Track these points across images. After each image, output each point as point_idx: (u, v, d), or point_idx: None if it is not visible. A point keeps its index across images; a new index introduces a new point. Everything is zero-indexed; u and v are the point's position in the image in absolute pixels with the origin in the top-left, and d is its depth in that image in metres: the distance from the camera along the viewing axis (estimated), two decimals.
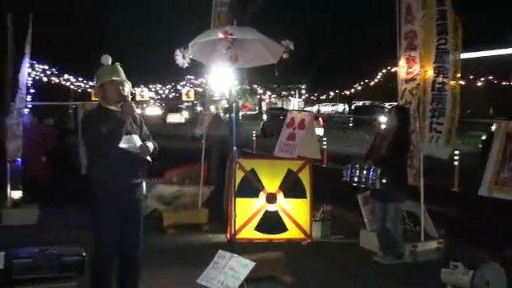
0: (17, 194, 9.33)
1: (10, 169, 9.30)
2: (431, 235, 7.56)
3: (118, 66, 5.01)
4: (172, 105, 57.75)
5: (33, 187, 9.87)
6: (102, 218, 4.88)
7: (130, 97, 5.05)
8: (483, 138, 19.24)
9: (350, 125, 38.42)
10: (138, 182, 5.03)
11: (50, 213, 9.50)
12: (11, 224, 8.89)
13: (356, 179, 7.11)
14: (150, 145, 4.98)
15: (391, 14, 7.79)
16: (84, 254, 4.52)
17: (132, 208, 4.97)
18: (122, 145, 4.77)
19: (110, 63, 5.00)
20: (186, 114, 52.60)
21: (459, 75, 7.14)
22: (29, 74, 10.15)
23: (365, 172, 6.99)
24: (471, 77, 38.81)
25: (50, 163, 10.80)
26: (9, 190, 9.24)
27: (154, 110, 56.79)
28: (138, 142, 4.88)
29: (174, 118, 49.71)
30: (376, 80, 47.49)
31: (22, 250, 4.45)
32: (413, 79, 7.49)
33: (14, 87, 9.44)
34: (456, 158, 13.06)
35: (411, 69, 7.51)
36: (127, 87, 4.99)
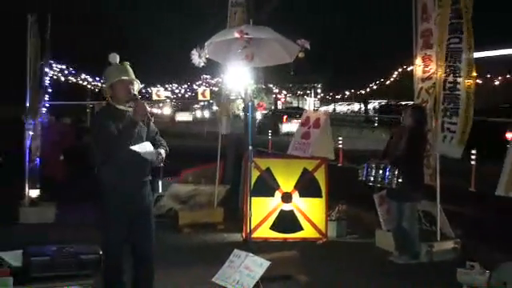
0: (34, 193, 9.42)
1: (28, 168, 9.40)
2: (447, 235, 7.52)
3: (127, 65, 4.98)
4: (182, 104, 61.03)
5: (50, 186, 9.96)
6: (109, 217, 4.88)
7: (140, 96, 5.02)
8: None
9: (376, 125, 38.01)
10: (145, 181, 5.02)
11: (67, 211, 9.59)
12: (29, 222, 8.99)
13: (372, 179, 7.09)
14: (163, 151, 4.97)
15: (407, 12, 7.76)
16: (100, 253, 4.54)
17: (141, 206, 4.97)
18: (136, 149, 4.76)
19: (117, 62, 4.98)
20: (196, 114, 56.61)
21: (474, 74, 7.08)
22: (46, 74, 10.25)
23: (381, 171, 6.98)
24: (488, 75, 38.46)
25: (67, 162, 10.88)
26: (27, 189, 9.33)
27: (166, 110, 58.55)
28: (151, 149, 4.86)
29: (182, 117, 52.87)
30: (392, 79, 47.23)
31: (40, 248, 4.49)
32: (429, 78, 7.45)
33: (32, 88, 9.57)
34: (473, 157, 12.96)
35: (427, 67, 7.48)
36: (136, 86, 4.98)
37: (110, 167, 4.82)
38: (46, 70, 10.09)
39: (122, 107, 4.89)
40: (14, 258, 4.52)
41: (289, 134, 25.43)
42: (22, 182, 9.37)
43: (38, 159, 9.67)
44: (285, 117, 29.24)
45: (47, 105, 10.51)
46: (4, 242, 5.56)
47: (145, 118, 4.86)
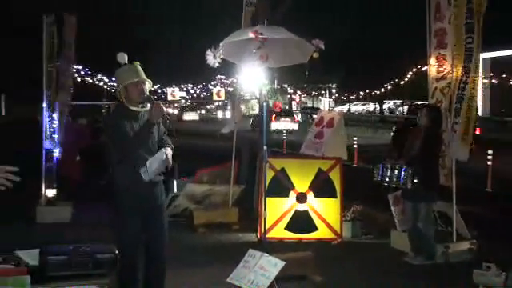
0: (51, 193, 9.50)
1: (44, 167, 9.49)
2: (463, 236, 7.47)
3: (138, 65, 4.99)
4: (190, 105, 65.93)
5: (66, 186, 10.04)
6: (123, 217, 4.92)
7: (155, 96, 5.05)
8: None
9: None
10: (157, 181, 5.04)
11: (83, 211, 9.67)
12: (45, 222, 9.07)
13: (387, 179, 7.08)
14: (169, 151, 4.97)
15: (422, 11, 7.72)
16: (116, 252, 4.57)
17: (154, 206, 5.00)
18: (154, 167, 4.81)
19: (126, 61, 5.00)
20: (202, 113, 62.90)
21: (481, 75, 7.06)
22: (68, 74, 10.31)
23: (396, 172, 6.96)
24: (504, 75, 38.16)
25: (83, 162, 10.96)
26: (43, 189, 9.42)
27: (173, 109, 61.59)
28: (161, 156, 4.90)
29: (189, 116, 56.77)
30: (406, 79, 47.00)
31: (57, 247, 4.51)
32: (443, 78, 7.41)
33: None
34: (489, 157, 12.88)
35: (442, 67, 7.44)
36: (148, 85, 5.02)
37: (124, 167, 4.86)
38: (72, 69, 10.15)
39: (135, 108, 4.93)
40: (31, 257, 4.56)
41: (277, 132, 28.43)
42: (39, 181, 9.46)
43: (54, 159, 9.76)
44: (273, 116, 31.29)
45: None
46: (21, 241, 5.59)
47: (161, 120, 4.89)
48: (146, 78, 4.98)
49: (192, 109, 61.60)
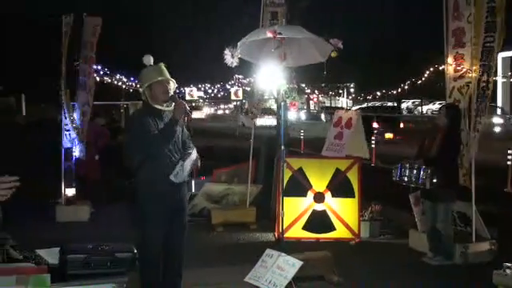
0: (70, 192, 9.59)
1: (63, 167, 9.58)
2: (483, 236, 7.40)
3: (162, 66, 5.07)
4: (195, 104, 68.53)
5: (85, 185, 10.13)
6: (148, 217, 4.96)
7: (178, 95, 5.10)
8: None
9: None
10: (183, 181, 5.08)
11: (101, 210, 9.75)
12: (65, 221, 9.16)
13: (406, 179, 7.03)
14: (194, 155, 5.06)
15: (439, 10, 7.67)
16: (135, 251, 4.61)
17: (177, 207, 5.04)
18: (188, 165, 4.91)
19: (151, 63, 5.07)
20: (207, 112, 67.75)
21: (501, 74, 7.03)
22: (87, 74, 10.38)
23: (415, 171, 6.91)
24: None
25: (101, 162, 11.03)
26: (63, 188, 9.51)
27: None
28: (195, 156, 4.99)
29: (196, 114, 58.74)
30: (424, 78, 46.64)
31: (76, 246, 4.57)
32: (461, 77, 7.35)
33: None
34: (509, 157, 12.73)
35: (459, 66, 7.38)
36: (172, 85, 5.07)
37: (150, 167, 4.89)
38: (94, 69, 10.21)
39: (160, 107, 4.97)
40: (51, 255, 4.62)
41: (262, 127, 28.24)
42: (59, 181, 9.55)
43: (73, 159, 9.85)
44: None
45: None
46: (41, 240, 5.66)
47: (184, 116, 4.93)
48: (170, 77, 5.04)
49: (197, 108, 64.49)
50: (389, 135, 24.33)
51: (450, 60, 7.52)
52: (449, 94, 7.58)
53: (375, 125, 22.81)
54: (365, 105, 49.02)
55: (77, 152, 9.84)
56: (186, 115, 4.93)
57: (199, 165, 5.08)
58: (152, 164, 4.89)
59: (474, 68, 7.15)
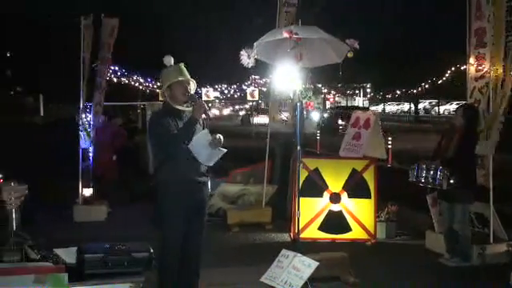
0: (87, 192, 9.66)
1: (81, 167, 9.65)
2: (500, 237, 7.34)
3: (182, 66, 5.11)
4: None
5: (102, 185, 10.20)
6: (168, 216, 4.98)
7: (197, 96, 5.13)
8: None
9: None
10: (204, 181, 5.11)
11: (118, 210, 9.81)
12: (82, 220, 9.23)
13: (422, 179, 6.99)
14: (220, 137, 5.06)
15: (461, 10, 7.62)
16: (151, 250, 4.63)
17: (197, 207, 5.06)
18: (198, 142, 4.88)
19: (172, 63, 5.11)
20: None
21: None
22: (104, 75, 10.47)
23: (432, 172, 6.87)
24: None
25: (119, 162, 11.10)
26: (80, 188, 9.58)
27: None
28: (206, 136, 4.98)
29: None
30: (444, 78, 46.29)
31: (94, 246, 4.60)
32: (482, 77, 7.30)
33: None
34: None
35: (481, 66, 7.33)
36: (192, 85, 5.11)
37: (170, 167, 4.93)
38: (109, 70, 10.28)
39: (179, 107, 5.00)
40: (68, 255, 4.66)
41: (259, 124, 34.96)
42: (76, 181, 9.62)
43: (90, 159, 9.92)
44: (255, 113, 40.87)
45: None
46: (59, 240, 5.71)
47: (203, 116, 4.95)
48: (190, 78, 5.07)
49: (215, 108, 67.01)
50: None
51: (471, 60, 7.47)
52: (469, 94, 7.52)
53: (340, 121, 31.99)
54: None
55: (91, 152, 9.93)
56: (206, 115, 4.96)
57: (221, 142, 5.00)
58: (171, 163, 4.93)
59: (494, 68, 7.10)
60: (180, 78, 5.01)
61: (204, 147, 4.92)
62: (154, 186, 5.10)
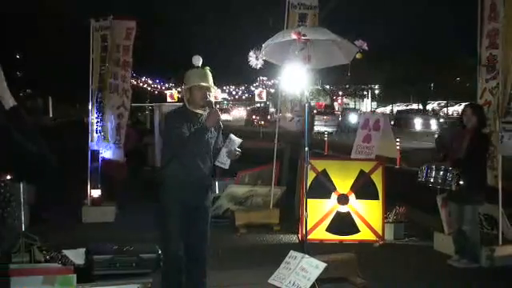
0: (96, 193, 9.69)
1: (90, 168, 9.68)
2: (509, 239, 7.31)
3: (207, 71, 5.11)
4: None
5: (111, 186, 10.22)
6: (167, 213, 5.01)
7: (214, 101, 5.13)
8: None
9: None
10: (208, 184, 5.13)
11: (127, 211, 9.84)
12: (91, 222, 9.26)
13: (432, 180, 6.97)
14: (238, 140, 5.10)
15: (469, 12, 7.58)
16: (159, 252, 4.65)
17: (200, 207, 5.06)
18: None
19: (200, 64, 5.11)
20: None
21: None
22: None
23: (441, 173, 6.84)
24: None
25: (128, 163, 11.12)
26: (89, 189, 9.61)
27: None
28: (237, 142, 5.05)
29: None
30: (453, 80, 46.18)
31: (102, 247, 4.62)
32: (493, 78, 7.27)
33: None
34: None
35: (492, 67, 7.29)
36: (213, 92, 5.12)
37: (176, 165, 4.96)
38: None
39: (196, 110, 5.02)
40: (77, 256, 4.68)
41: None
42: (85, 182, 9.66)
43: (100, 160, 9.95)
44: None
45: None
46: (67, 241, 5.74)
47: (216, 126, 4.97)
48: (212, 84, 5.08)
49: (225, 110, 66.41)
50: (261, 123, 38.99)
51: (483, 61, 7.43)
52: (480, 95, 7.49)
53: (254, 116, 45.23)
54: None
55: (107, 153, 9.94)
56: (218, 125, 4.99)
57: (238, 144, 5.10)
58: (178, 163, 4.96)
59: (506, 69, 7.07)
60: (201, 83, 5.02)
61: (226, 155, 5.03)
62: (158, 178, 5.12)
